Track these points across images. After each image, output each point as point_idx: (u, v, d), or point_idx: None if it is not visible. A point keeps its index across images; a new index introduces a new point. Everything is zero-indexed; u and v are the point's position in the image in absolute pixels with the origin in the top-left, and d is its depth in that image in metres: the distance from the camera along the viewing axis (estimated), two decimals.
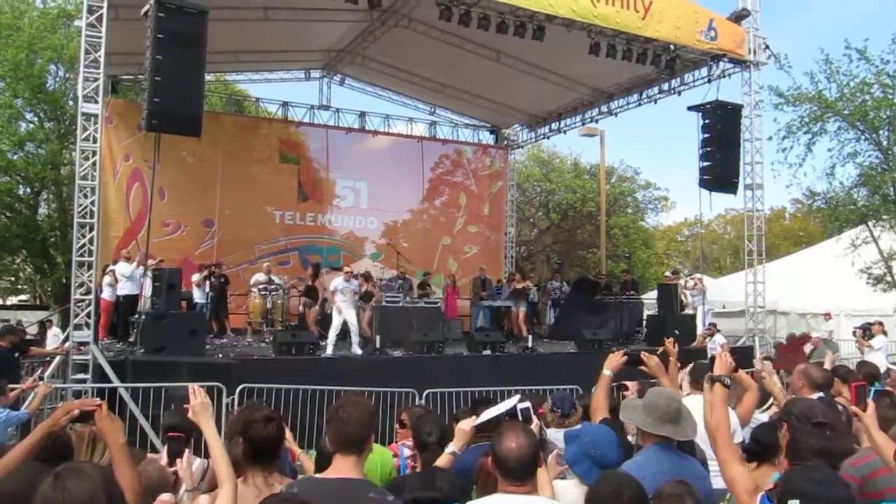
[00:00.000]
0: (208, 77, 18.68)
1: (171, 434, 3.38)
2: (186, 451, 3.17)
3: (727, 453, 3.23)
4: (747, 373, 5.46)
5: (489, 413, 3.66)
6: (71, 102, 19.89)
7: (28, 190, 21.46)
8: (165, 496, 3.19)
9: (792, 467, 2.77)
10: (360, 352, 12.44)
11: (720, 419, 3.36)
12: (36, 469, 2.39)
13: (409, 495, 2.45)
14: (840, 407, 4.13)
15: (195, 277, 14.38)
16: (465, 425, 3.49)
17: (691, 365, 5.10)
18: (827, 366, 6.66)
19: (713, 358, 3.78)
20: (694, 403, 4.58)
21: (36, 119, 20.90)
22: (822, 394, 4.86)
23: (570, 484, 3.08)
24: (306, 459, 3.99)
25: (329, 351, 12.23)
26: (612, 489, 2.42)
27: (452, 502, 2.39)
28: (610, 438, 3.24)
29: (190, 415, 3.00)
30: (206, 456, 3.22)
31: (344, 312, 12.48)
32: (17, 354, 9.92)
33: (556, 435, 4.35)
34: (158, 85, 9.92)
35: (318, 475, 3.08)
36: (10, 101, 19.61)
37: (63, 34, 20.00)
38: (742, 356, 13.24)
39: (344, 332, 12.62)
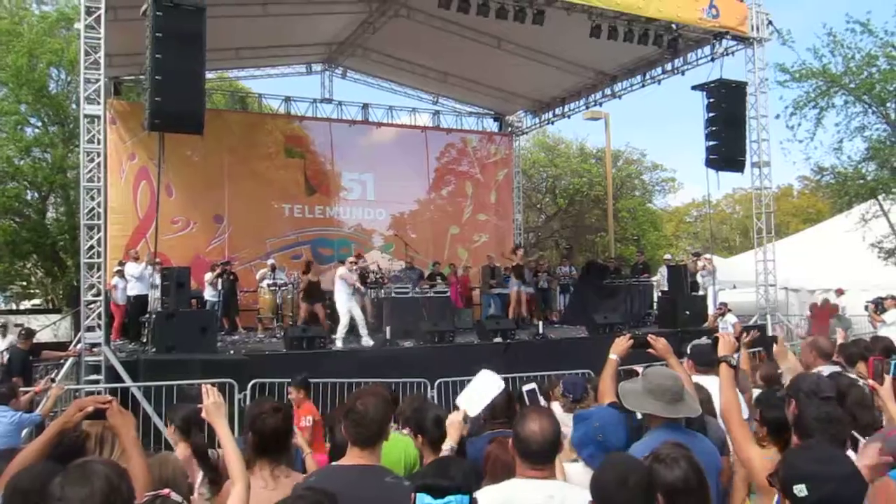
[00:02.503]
0: (210, 75, 18.70)
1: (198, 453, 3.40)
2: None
3: (741, 434, 3.21)
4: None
5: (469, 398, 3.56)
6: (74, 105, 19.95)
7: (36, 195, 21.55)
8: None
9: (790, 448, 2.71)
10: (371, 343, 12.43)
11: (730, 400, 3.35)
12: (50, 467, 2.42)
13: (420, 481, 2.44)
14: (860, 381, 4.10)
15: (208, 276, 14.45)
16: (455, 418, 3.42)
17: (689, 347, 5.06)
18: (840, 340, 6.63)
19: (716, 339, 3.74)
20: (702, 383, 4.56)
21: (40, 124, 20.98)
22: (836, 368, 4.84)
23: (579, 467, 3.07)
24: (311, 462, 3.99)
25: (339, 345, 12.25)
26: (618, 474, 2.37)
27: (464, 492, 2.38)
28: (617, 423, 3.21)
29: (203, 414, 3.01)
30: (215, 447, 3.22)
31: (348, 305, 12.46)
32: (30, 357, 10.05)
33: (565, 419, 4.35)
34: (159, 84, 9.91)
35: (335, 463, 3.10)
36: (14, 107, 19.68)
37: (63, 37, 20.03)
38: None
39: (353, 326, 12.60)
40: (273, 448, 3.03)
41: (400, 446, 4.06)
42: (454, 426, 3.38)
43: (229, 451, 2.86)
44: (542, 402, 4.91)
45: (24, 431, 6.91)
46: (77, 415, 2.79)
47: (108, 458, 2.69)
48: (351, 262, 12.93)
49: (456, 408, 3.60)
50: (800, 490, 2.18)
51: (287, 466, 3.08)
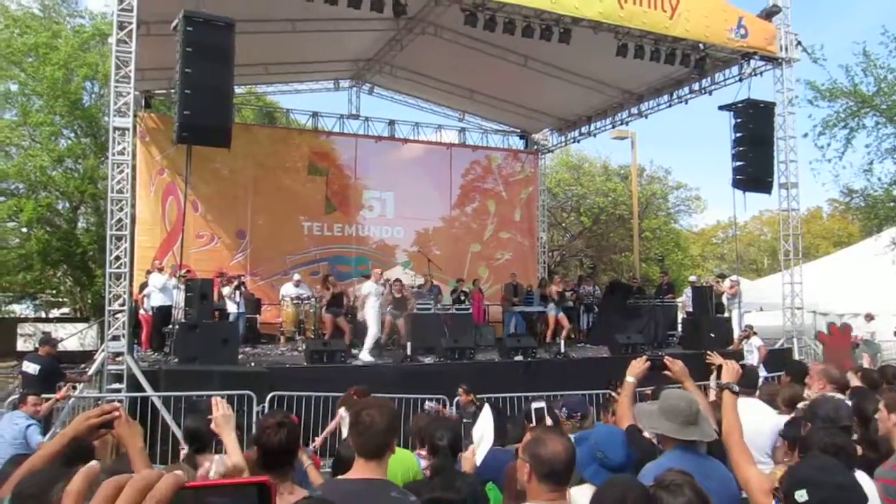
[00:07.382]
0: (240, 90, 18.96)
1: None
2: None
3: (739, 456, 3.28)
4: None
5: (479, 436, 3.61)
6: (106, 118, 20.36)
7: (67, 204, 21.97)
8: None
9: (795, 461, 2.75)
10: (370, 359, 12.31)
11: (731, 424, 3.43)
12: (55, 472, 2.42)
13: (428, 494, 2.42)
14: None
15: (226, 290, 14.52)
16: (470, 455, 3.50)
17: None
18: (865, 365, 6.49)
19: (720, 367, 3.84)
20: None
21: (73, 135, 21.42)
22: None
23: (584, 489, 3.02)
24: (314, 473, 3.97)
25: (366, 357, 12.22)
26: (617, 494, 2.36)
27: None
28: (616, 440, 3.18)
29: (213, 426, 3.01)
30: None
31: (376, 318, 12.51)
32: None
33: None
34: (188, 98, 10.09)
35: (340, 477, 3.07)
36: (48, 118, 20.12)
37: (98, 52, 20.47)
38: (780, 358, 13.02)
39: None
40: (277, 463, 3.00)
41: (399, 460, 4.03)
42: (468, 462, 3.43)
43: (236, 464, 2.86)
44: (549, 421, 4.85)
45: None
46: (84, 427, 2.79)
47: (112, 465, 2.70)
48: (377, 274, 12.98)
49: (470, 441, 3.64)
50: (800, 495, 2.25)
51: (293, 483, 3.04)
